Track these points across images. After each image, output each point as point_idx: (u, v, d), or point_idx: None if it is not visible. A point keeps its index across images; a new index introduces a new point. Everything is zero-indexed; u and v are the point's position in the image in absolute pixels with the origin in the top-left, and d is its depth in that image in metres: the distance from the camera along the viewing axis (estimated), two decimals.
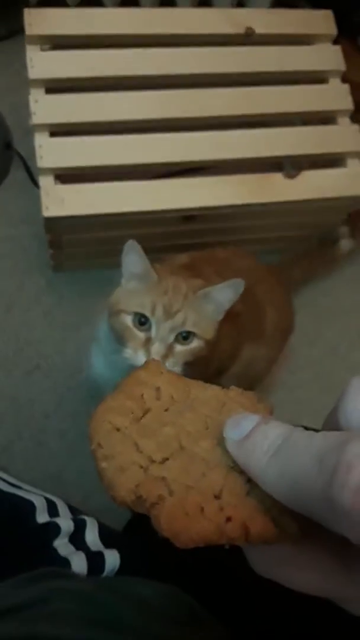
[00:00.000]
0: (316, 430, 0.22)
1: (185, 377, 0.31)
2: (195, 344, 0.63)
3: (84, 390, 0.97)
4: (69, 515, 0.65)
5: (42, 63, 0.83)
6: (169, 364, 0.61)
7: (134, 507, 0.24)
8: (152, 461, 0.25)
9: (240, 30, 0.89)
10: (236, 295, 0.63)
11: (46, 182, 0.81)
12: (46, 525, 0.61)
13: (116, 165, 0.83)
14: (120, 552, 0.58)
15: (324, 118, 0.92)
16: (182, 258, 0.76)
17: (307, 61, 0.91)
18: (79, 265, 1.04)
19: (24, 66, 0.83)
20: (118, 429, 0.27)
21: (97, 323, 0.75)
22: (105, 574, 0.56)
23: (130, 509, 0.24)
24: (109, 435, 0.26)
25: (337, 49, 0.93)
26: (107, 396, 0.29)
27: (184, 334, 0.62)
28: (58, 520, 0.61)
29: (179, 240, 0.92)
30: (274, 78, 0.90)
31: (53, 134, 0.82)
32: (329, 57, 0.92)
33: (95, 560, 0.57)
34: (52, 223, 0.83)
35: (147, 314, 0.62)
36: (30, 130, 0.83)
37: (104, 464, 0.25)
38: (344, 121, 0.91)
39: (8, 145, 1.07)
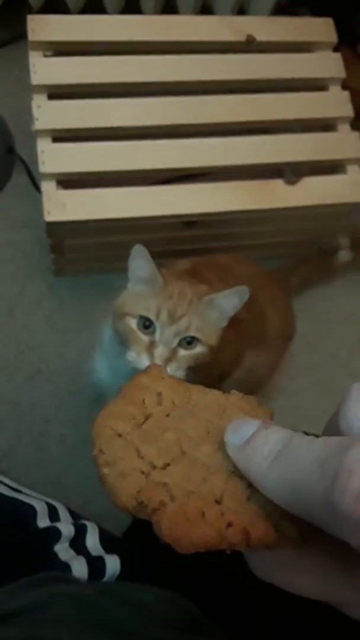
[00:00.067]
0: (316, 436, 0.23)
1: (188, 382, 0.31)
2: (198, 349, 0.63)
3: (85, 395, 0.97)
4: (69, 519, 0.65)
5: (44, 69, 0.84)
6: (171, 368, 0.61)
7: (136, 512, 0.24)
8: (154, 467, 0.25)
9: (242, 37, 0.90)
10: (241, 303, 0.63)
11: (48, 187, 0.81)
12: (47, 529, 0.61)
13: (118, 171, 0.83)
14: (120, 557, 0.58)
15: (324, 125, 0.92)
16: (184, 264, 0.77)
17: (307, 68, 0.92)
18: (80, 270, 1.04)
19: (26, 72, 0.84)
20: (120, 435, 0.27)
21: (100, 327, 0.75)
22: (105, 579, 0.56)
23: (132, 514, 0.25)
24: (110, 440, 0.27)
25: (338, 56, 0.93)
26: (109, 401, 0.29)
27: (188, 339, 0.63)
28: (59, 524, 0.61)
29: (180, 245, 0.93)
30: (274, 85, 0.91)
31: (55, 139, 0.83)
32: (329, 64, 0.93)
33: (96, 565, 0.57)
34: (54, 228, 0.83)
35: (152, 317, 0.62)
36: (32, 136, 0.83)
37: (105, 470, 0.25)
38: (344, 128, 0.92)
39: (10, 150, 1.07)
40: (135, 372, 0.31)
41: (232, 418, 0.27)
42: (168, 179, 0.89)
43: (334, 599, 0.24)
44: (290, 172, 0.88)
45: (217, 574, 0.52)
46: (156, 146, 0.84)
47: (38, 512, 0.63)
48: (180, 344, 0.63)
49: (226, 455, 0.25)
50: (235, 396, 0.29)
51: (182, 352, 0.63)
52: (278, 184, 0.88)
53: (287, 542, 0.23)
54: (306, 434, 0.23)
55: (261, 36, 0.91)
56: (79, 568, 0.55)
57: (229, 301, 0.63)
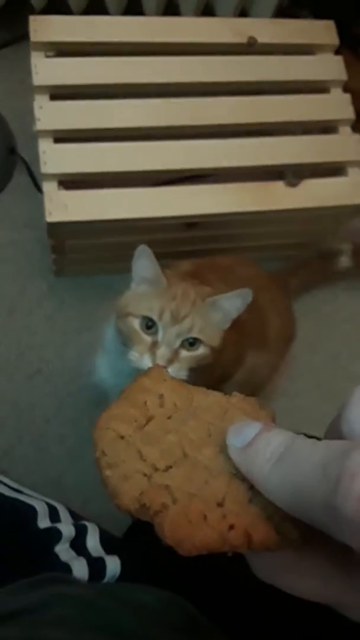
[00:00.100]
0: (318, 439, 0.23)
1: (190, 383, 0.31)
2: (201, 350, 0.63)
3: (85, 395, 0.97)
4: (70, 520, 0.65)
5: (46, 70, 0.84)
6: (174, 369, 0.62)
7: (138, 515, 0.24)
8: (156, 469, 0.25)
9: (243, 39, 0.90)
10: (244, 305, 0.63)
11: (50, 188, 0.81)
12: (47, 530, 0.61)
13: (119, 172, 0.83)
14: (121, 558, 0.58)
15: (325, 127, 0.92)
16: (185, 265, 0.77)
17: (309, 71, 0.92)
18: (80, 270, 1.04)
19: (28, 72, 0.84)
20: (122, 437, 0.27)
21: (101, 328, 0.75)
22: (106, 579, 0.56)
23: (134, 516, 0.25)
24: (112, 443, 0.27)
25: (339, 59, 0.93)
26: (111, 403, 0.29)
27: (191, 340, 0.63)
28: (59, 525, 0.61)
29: (181, 247, 0.93)
30: (276, 87, 0.91)
31: (57, 140, 0.83)
32: (330, 67, 0.93)
33: (96, 566, 0.57)
34: (55, 228, 0.83)
35: (155, 318, 0.62)
36: (34, 136, 0.83)
37: (108, 472, 0.25)
38: (345, 130, 0.92)
39: (12, 151, 1.07)
40: (137, 373, 0.31)
41: (233, 420, 0.27)
42: (169, 180, 0.89)
43: (334, 601, 0.24)
44: (291, 174, 0.88)
45: (218, 575, 0.53)
46: (157, 147, 0.85)
47: (39, 512, 0.63)
48: (182, 345, 0.63)
49: (228, 458, 0.25)
50: (236, 398, 0.29)
51: (185, 353, 0.63)
52: (279, 186, 0.88)
53: (288, 545, 0.23)
54: (308, 437, 0.23)
55: (263, 38, 0.91)
56: (80, 569, 0.55)
57: (232, 303, 0.64)
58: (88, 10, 1.09)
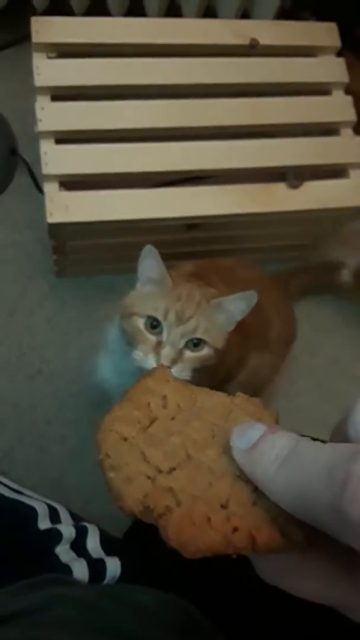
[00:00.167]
0: (323, 441, 0.23)
1: (193, 384, 0.31)
2: (205, 351, 0.64)
3: (86, 396, 0.97)
4: (70, 521, 0.65)
5: (48, 71, 0.84)
6: (177, 369, 0.62)
7: (142, 517, 0.24)
8: (160, 471, 0.25)
9: (245, 41, 0.90)
10: (249, 307, 0.63)
11: (51, 189, 0.81)
12: (48, 531, 0.61)
13: (120, 173, 0.83)
14: (121, 559, 0.58)
15: (327, 129, 0.92)
16: (188, 266, 0.77)
17: (310, 73, 0.92)
18: (81, 271, 1.04)
19: (30, 73, 0.84)
20: (125, 439, 0.27)
21: (104, 328, 0.75)
22: (106, 581, 0.56)
23: (138, 518, 0.25)
24: (116, 445, 0.27)
25: (341, 61, 0.93)
26: (115, 405, 0.29)
27: (195, 341, 0.63)
28: (60, 526, 0.61)
29: (181, 248, 0.93)
30: (277, 89, 0.91)
31: (58, 141, 0.83)
32: (332, 69, 0.93)
33: (96, 568, 0.57)
34: (56, 229, 0.83)
35: (160, 318, 0.62)
36: (35, 137, 0.83)
37: (111, 474, 0.25)
38: (347, 132, 0.92)
39: (13, 152, 1.08)
40: (140, 373, 0.31)
41: (237, 421, 0.27)
42: (170, 181, 0.89)
43: (337, 603, 0.24)
44: (292, 175, 0.88)
45: (222, 577, 0.53)
46: (159, 148, 0.85)
47: (39, 513, 0.63)
48: (186, 346, 0.63)
49: (232, 459, 0.25)
50: (240, 398, 0.29)
51: (189, 354, 0.63)
52: (280, 187, 0.88)
53: (292, 547, 0.23)
54: (312, 439, 0.23)
55: (265, 40, 0.91)
56: (80, 570, 0.55)
57: (237, 305, 0.64)
58: (90, 12, 1.09)
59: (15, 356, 0.99)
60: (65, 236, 0.88)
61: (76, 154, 0.82)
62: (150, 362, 0.62)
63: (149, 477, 0.25)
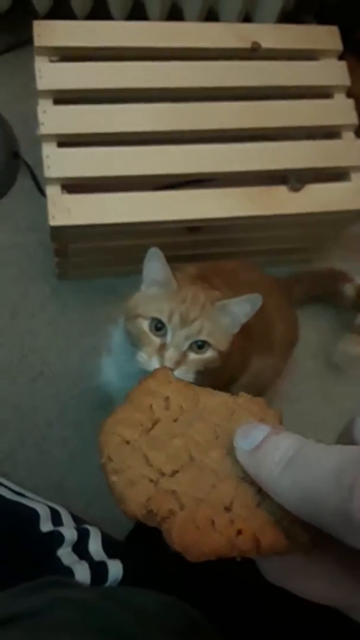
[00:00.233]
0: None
1: (196, 385, 0.31)
2: (209, 354, 0.64)
3: (88, 398, 0.98)
4: (72, 524, 0.65)
5: (50, 74, 0.84)
6: (181, 371, 0.62)
7: (145, 521, 0.24)
8: (162, 474, 0.25)
9: (247, 44, 0.90)
10: (253, 310, 0.64)
11: (53, 192, 0.82)
12: (50, 534, 0.61)
13: (122, 176, 0.83)
14: (123, 562, 0.58)
15: (329, 132, 0.92)
16: (190, 269, 0.77)
17: (312, 76, 0.92)
18: (83, 273, 1.04)
19: (32, 77, 0.84)
20: (127, 442, 0.27)
21: (107, 331, 0.75)
22: (108, 583, 0.56)
23: (141, 522, 0.25)
24: (118, 448, 0.26)
25: (343, 64, 0.94)
26: (117, 407, 0.29)
27: (199, 343, 0.63)
28: (62, 529, 0.61)
29: (183, 250, 0.93)
30: (279, 92, 0.91)
31: (60, 144, 0.83)
32: (334, 72, 0.93)
33: (98, 570, 0.57)
34: (58, 232, 0.83)
35: (164, 320, 0.63)
36: (37, 140, 0.83)
37: (114, 478, 0.25)
38: (349, 136, 0.92)
39: (15, 155, 1.08)
40: (144, 375, 0.31)
41: (240, 421, 0.27)
42: (172, 184, 0.89)
43: (342, 604, 0.24)
44: (294, 179, 0.88)
45: (225, 579, 0.53)
46: (161, 152, 0.85)
47: (41, 516, 0.63)
48: (190, 348, 0.63)
49: (235, 461, 0.25)
50: (243, 398, 0.29)
51: (193, 356, 0.63)
52: (282, 190, 0.88)
53: (297, 549, 0.23)
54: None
55: (266, 43, 0.91)
56: (82, 573, 0.55)
57: (242, 308, 0.64)
58: (92, 15, 1.10)
59: (17, 358, 0.99)
60: (67, 239, 0.88)
61: (78, 157, 0.83)
62: (154, 364, 0.62)
63: (151, 481, 0.25)
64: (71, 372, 1.00)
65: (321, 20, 1.06)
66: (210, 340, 0.63)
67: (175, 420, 0.28)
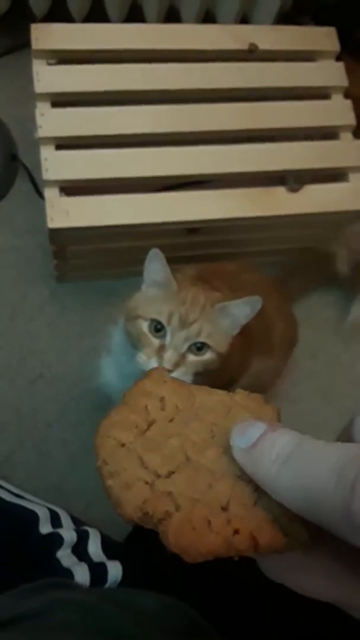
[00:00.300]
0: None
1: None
2: (208, 355, 0.64)
3: (87, 400, 0.98)
4: (71, 526, 0.65)
5: (48, 77, 0.84)
6: (179, 372, 0.62)
7: (142, 523, 0.24)
8: (158, 476, 0.25)
9: (244, 46, 0.90)
10: (253, 312, 0.64)
11: (51, 194, 0.82)
12: (49, 536, 0.61)
13: (120, 178, 0.83)
14: (122, 563, 0.58)
15: (327, 133, 0.92)
16: (191, 271, 0.77)
17: (310, 77, 0.92)
18: (82, 275, 1.04)
19: (30, 80, 0.84)
20: (123, 445, 0.26)
21: (106, 332, 0.75)
22: (107, 585, 0.56)
23: (138, 524, 0.25)
24: (113, 451, 0.26)
25: (340, 65, 0.94)
26: (111, 410, 0.28)
27: (198, 345, 0.63)
28: (61, 531, 0.61)
29: (182, 252, 0.93)
30: (277, 94, 0.91)
31: (59, 146, 0.83)
32: (331, 73, 0.93)
33: (97, 572, 0.57)
34: (57, 234, 0.84)
35: (163, 321, 0.63)
36: (35, 143, 0.84)
37: (109, 482, 0.25)
38: (346, 136, 0.92)
39: (14, 157, 1.08)
40: (143, 375, 0.31)
41: (237, 418, 0.27)
42: (170, 185, 0.89)
43: (342, 601, 0.24)
44: (293, 179, 0.88)
45: (223, 579, 0.53)
46: (159, 153, 0.85)
47: (40, 518, 0.63)
48: (190, 349, 0.63)
49: (232, 459, 0.25)
50: (240, 395, 0.29)
51: (192, 358, 0.63)
52: (280, 191, 0.88)
53: (296, 546, 0.23)
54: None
55: (264, 45, 0.91)
56: (81, 574, 0.55)
57: (242, 310, 0.64)
58: (89, 18, 1.10)
59: (16, 360, 1.00)
60: (65, 241, 0.88)
61: (76, 159, 0.83)
62: (153, 366, 0.62)
63: (147, 483, 0.25)
64: (70, 373, 1.00)
65: (319, 21, 1.06)
66: (209, 342, 0.63)
67: (171, 421, 0.28)
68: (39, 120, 0.83)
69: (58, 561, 0.57)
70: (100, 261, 1.00)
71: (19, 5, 1.09)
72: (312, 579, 0.24)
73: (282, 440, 0.23)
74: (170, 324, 0.62)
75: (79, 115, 0.84)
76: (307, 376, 1.08)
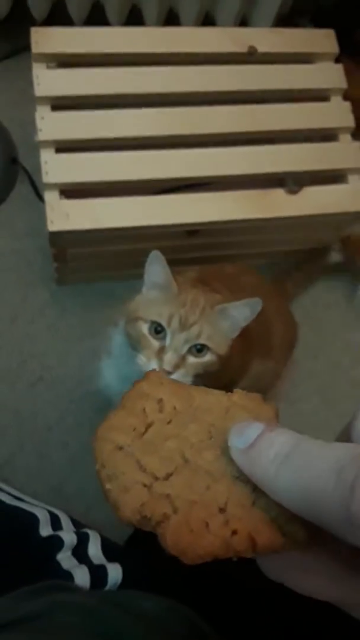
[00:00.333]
0: None
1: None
2: (208, 357, 0.64)
3: (87, 403, 0.98)
4: (71, 528, 0.65)
5: (48, 80, 0.85)
6: (179, 374, 0.62)
7: (140, 526, 0.24)
8: (156, 478, 0.25)
9: (243, 49, 0.91)
10: (253, 314, 0.64)
11: (51, 197, 0.82)
12: (49, 538, 0.61)
13: (120, 181, 0.84)
14: (122, 565, 0.58)
15: (326, 135, 0.93)
16: (191, 273, 0.77)
17: (309, 79, 0.93)
18: (82, 278, 1.05)
19: (30, 83, 0.85)
20: (121, 448, 0.26)
21: (107, 334, 0.75)
22: (108, 587, 0.56)
23: (137, 527, 0.25)
24: (111, 455, 0.26)
25: (339, 67, 0.94)
26: (110, 413, 0.28)
27: (198, 347, 0.63)
28: (61, 533, 0.61)
29: (181, 254, 0.93)
30: (276, 96, 0.92)
31: (59, 150, 0.83)
32: (330, 75, 0.94)
33: (98, 574, 0.57)
34: (57, 237, 0.84)
35: (163, 323, 0.63)
36: (35, 146, 0.84)
37: (108, 485, 0.25)
38: (345, 138, 0.92)
39: (14, 160, 1.08)
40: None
41: (235, 419, 0.27)
42: (170, 188, 0.90)
43: (341, 601, 0.24)
44: (292, 181, 0.88)
45: (222, 581, 0.53)
46: (158, 156, 0.85)
47: (40, 520, 0.63)
48: (190, 351, 0.63)
49: (230, 460, 0.25)
50: (238, 394, 0.29)
51: (191, 359, 0.63)
52: (279, 193, 0.88)
53: (294, 546, 0.23)
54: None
55: (263, 47, 0.91)
56: (82, 577, 0.55)
57: (241, 312, 0.64)
58: (89, 21, 1.10)
59: (16, 363, 1.00)
60: (65, 244, 0.88)
61: (76, 162, 0.83)
62: (153, 367, 0.62)
63: (145, 486, 0.25)
64: (70, 376, 1.00)
65: (317, 23, 1.06)
66: (209, 343, 0.63)
67: (169, 422, 0.28)
68: (39, 123, 0.83)
69: (58, 564, 0.57)
70: (100, 264, 1.00)
71: (19, 9, 1.10)
72: (312, 579, 0.24)
73: (280, 440, 0.23)
74: (170, 326, 0.63)
75: (78, 118, 0.84)
76: (307, 377, 1.08)
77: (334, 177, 0.92)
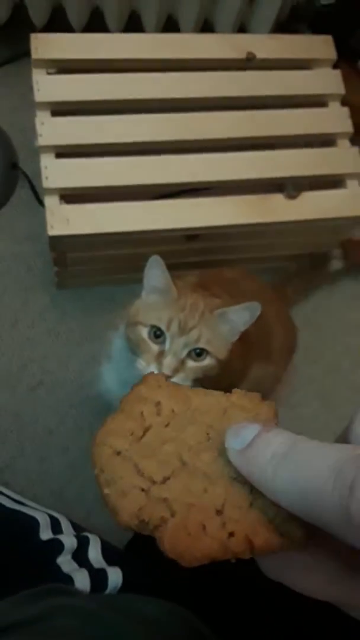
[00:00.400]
0: None
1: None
2: (207, 361, 0.64)
3: (88, 407, 0.98)
4: (72, 532, 0.65)
5: (48, 86, 0.85)
6: (179, 378, 0.62)
7: (139, 530, 0.24)
8: (154, 482, 0.25)
9: (242, 55, 0.91)
10: (252, 318, 0.64)
11: (51, 202, 0.82)
12: (50, 542, 0.61)
13: (120, 186, 0.84)
14: (122, 569, 0.58)
15: (324, 140, 0.93)
16: (191, 277, 0.78)
17: (307, 85, 0.93)
18: (82, 282, 1.05)
19: (30, 89, 0.85)
20: (119, 452, 0.26)
21: (107, 339, 0.76)
22: (108, 591, 0.56)
23: (135, 532, 0.25)
24: (109, 459, 0.26)
25: (337, 73, 0.95)
26: (108, 417, 0.28)
27: (198, 351, 0.63)
28: (61, 537, 0.61)
29: (181, 258, 0.93)
30: (275, 102, 0.92)
31: (58, 155, 0.84)
32: (329, 81, 0.94)
33: (98, 578, 0.57)
34: (57, 242, 0.84)
35: (163, 327, 0.63)
36: (36, 151, 0.84)
37: (106, 490, 0.25)
38: (344, 143, 0.93)
39: (14, 165, 1.09)
40: None
41: (232, 420, 0.27)
42: (170, 193, 0.90)
43: (340, 600, 0.24)
44: (291, 186, 0.89)
45: (222, 583, 0.53)
46: (158, 161, 0.86)
47: (41, 524, 0.63)
48: (189, 355, 0.63)
49: (227, 461, 0.25)
50: (236, 394, 0.29)
51: (191, 363, 0.64)
52: (278, 198, 0.89)
53: (292, 546, 0.23)
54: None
55: (261, 53, 0.92)
56: (82, 580, 0.55)
57: (241, 316, 0.64)
58: (88, 28, 1.11)
59: (17, 367, 1.00)
60: (65, 248, 0.88)
61: (76, 167, 0.83)
62: (152, 371, 0.62)
63: (142, 490, 0.25)
64: (71, 380, 1.00)
65: (315, 28, 1.07)
66: (208, 348, 0.64)
67: (166, 425, 0.28)
68: (39, 128, 0.83)
69: (58, 567, 0.57)
70: (100, 268, 1.01)
71: (19, 15, 1.10)
72: (312, 579, 0.24)
73: (278, 440, 0.23)
74: (170, 330, 0.63)
75: (78, 123, 0.85)
76: (307, 382, 1.08)
77: (332, 182, 0.92)
